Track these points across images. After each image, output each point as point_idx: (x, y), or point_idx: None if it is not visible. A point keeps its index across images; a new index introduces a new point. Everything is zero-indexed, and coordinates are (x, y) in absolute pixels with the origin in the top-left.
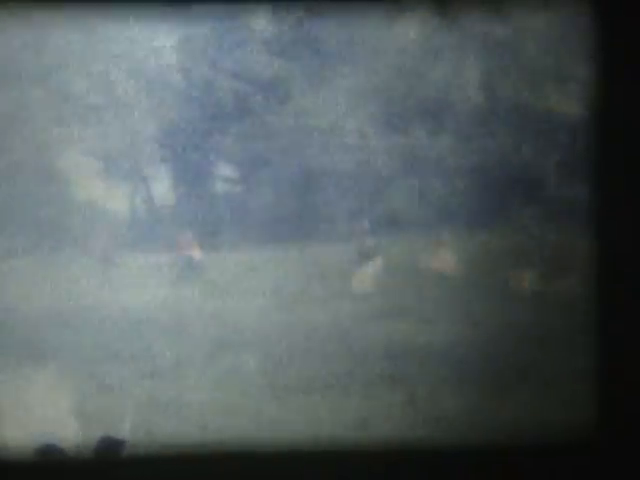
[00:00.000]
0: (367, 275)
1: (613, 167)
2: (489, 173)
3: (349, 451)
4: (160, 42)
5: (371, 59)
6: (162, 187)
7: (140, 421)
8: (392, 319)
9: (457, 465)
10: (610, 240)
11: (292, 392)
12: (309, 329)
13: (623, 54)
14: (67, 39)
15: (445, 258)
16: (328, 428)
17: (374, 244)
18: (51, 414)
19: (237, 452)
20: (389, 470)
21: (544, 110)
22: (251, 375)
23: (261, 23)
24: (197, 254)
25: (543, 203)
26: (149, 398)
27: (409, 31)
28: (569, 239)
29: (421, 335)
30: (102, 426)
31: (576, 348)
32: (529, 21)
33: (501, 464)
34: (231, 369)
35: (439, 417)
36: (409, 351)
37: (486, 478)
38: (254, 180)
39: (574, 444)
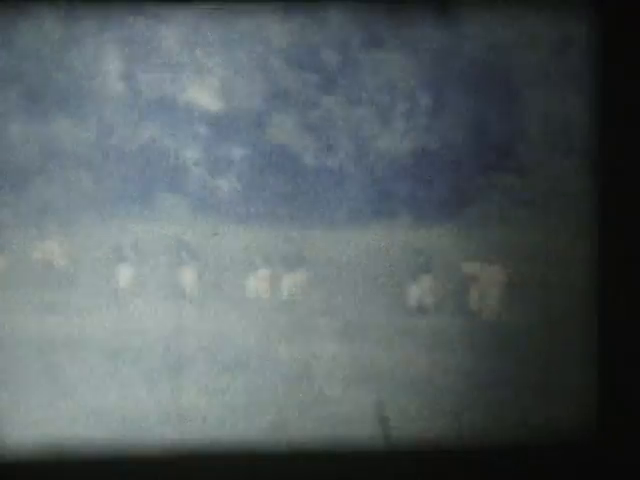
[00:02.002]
0: None
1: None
2: (135, 163)
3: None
4: None
5: None
6: None
7: None
8: None
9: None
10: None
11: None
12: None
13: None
14: None
15: (52, 249)
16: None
17: None
18: None
19: None
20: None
21: (184, 103)
22: None
23: None
24: None
25: (187, 194)
26: None
27: (45, 19)
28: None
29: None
30: None
31: (578, 349)
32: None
33: (501, 463)
34: None
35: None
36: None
37: (487, 477)
38: None
39: (574, 443)
